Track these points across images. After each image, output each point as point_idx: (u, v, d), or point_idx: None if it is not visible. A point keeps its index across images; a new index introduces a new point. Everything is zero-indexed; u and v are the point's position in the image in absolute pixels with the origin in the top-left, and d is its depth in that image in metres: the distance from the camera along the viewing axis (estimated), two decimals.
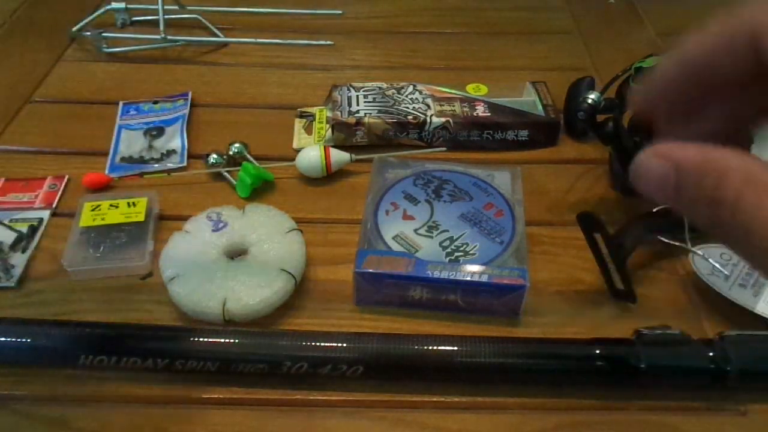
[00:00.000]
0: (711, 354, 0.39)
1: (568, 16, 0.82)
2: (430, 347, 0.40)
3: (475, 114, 0.59)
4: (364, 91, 0.62)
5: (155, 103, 0.64)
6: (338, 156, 0.56)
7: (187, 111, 0.63)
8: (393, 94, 0.61)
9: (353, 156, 0.56)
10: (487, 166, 0.53)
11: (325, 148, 0.55)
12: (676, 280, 0.48)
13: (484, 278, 0.43)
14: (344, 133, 0.58)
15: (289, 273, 0.44)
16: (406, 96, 0.61)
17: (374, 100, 0.61)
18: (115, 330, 0.41)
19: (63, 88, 0.68)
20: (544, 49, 0.75)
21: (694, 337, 0.40)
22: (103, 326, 0.41)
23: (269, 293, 0.43)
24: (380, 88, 0.62)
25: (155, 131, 0.61)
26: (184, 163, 0.58)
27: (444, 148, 0.59)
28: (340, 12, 0.79)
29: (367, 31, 0.78)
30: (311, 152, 0.55)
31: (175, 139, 0.60)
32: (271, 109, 0.65)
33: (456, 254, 0.45)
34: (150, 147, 0.59)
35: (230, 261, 0.45)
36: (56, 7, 0.81)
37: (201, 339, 0.40)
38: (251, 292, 0.43)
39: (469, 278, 0.43)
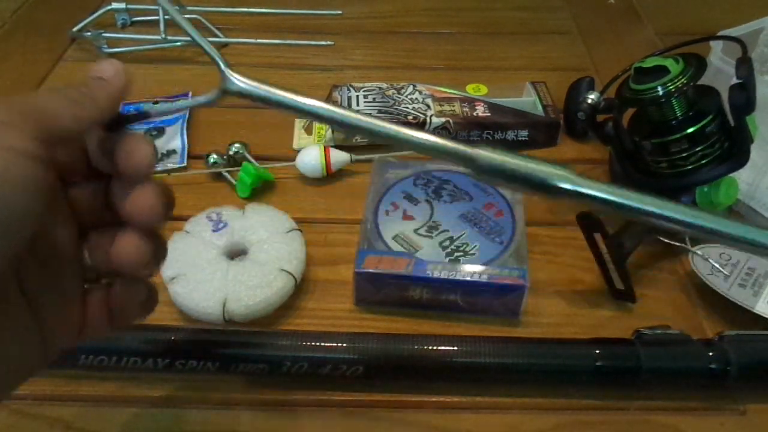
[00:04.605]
0: (710, 354, 0.39)
1: (567, 16, 0.82)
2: (430, 347, 0.40)
3: (475, 114, 0.59)
4: (364, 91, 0.62)
5: (155, 103, 0.64)
6: (338, 156, 0.56)
7: (187, 111, 0.63)
8: (393, 94, 0.61)
9: (353, 156, 0.56)
10: None
11: (325, 148, 0.55)
12: (675, 280, 0.48)
13: (484, 278, 0.43)
14: (344, 133, 0.58)
15: (289, 273, 0.44)
16: (406, 96, 0.61)
17: (374, 100, 0.61)
18: (115, 330, 0.41)
19: None
20: (543, 49, 0.75)
21: (694, 337, 0.40)
22: None
23: (269, 293, 0.43)
24: (380, 88, 0.62)
25: (155, 131, 0.61)
26: (185, 164, 0.58)
27: None
28: (340, 12, 0.79)
29: (367, 31, 0.78)
30: (311, 152, 0.55)
31: (175, 140, 0.60)
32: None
33: (456, 254, 0.45)
34: None
35: (230, 261, 0.45)
36: (57, 7, 0.82)
37: (201, 339, 0.40)
38: (251, 292, 0.43)
39: (469, 278, 0.43)
